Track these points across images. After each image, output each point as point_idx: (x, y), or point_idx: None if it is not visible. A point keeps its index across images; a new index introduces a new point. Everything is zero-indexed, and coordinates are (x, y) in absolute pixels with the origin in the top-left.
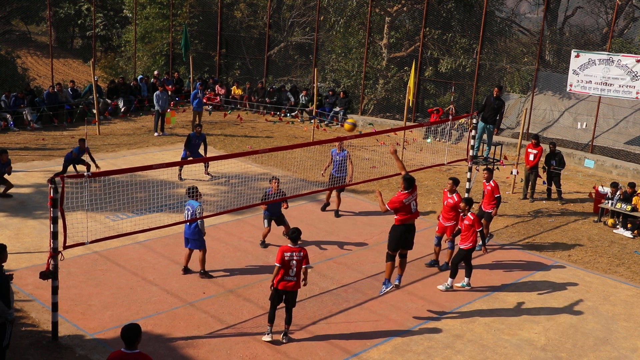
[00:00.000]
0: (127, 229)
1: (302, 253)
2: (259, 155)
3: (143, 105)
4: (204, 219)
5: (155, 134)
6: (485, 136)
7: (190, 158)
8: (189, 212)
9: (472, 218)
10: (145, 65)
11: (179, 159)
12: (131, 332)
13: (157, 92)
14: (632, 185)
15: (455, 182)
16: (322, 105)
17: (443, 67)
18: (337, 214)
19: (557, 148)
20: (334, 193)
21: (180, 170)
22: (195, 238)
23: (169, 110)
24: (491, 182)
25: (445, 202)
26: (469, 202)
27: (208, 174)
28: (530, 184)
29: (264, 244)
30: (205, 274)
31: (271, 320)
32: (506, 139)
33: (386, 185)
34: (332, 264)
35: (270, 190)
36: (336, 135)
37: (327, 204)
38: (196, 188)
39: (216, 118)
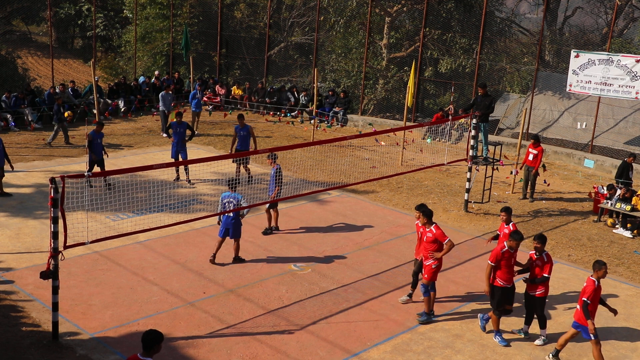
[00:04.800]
0: (127, 228)
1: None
2: (259, 155)
3: (143, 106)
4: (203, 216)
5: (164, 134)
6: (481, 135)
7: (180, 157)
8: (233, 204)
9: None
10: (146, 66)
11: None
12: (150, 337)
13: (162, 92)
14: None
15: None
16: (322, 105)
17: (443, 67)
18: (270, 230)
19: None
20: (267, 208)
21: (177, 171)
22: (237, 228)
23: (173, 107)
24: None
25: (425, 237)
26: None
27: (189, 180)
28: (530, 183)
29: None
30: (240, 260)
31: None
32: (506, 139)
33: (386, 185)
34: (332, 264)
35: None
36: (336, 135)
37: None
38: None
39: (216, 118)
